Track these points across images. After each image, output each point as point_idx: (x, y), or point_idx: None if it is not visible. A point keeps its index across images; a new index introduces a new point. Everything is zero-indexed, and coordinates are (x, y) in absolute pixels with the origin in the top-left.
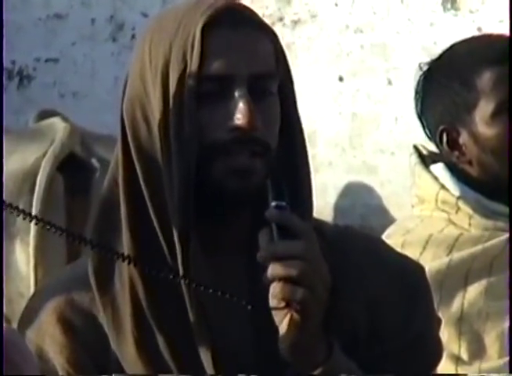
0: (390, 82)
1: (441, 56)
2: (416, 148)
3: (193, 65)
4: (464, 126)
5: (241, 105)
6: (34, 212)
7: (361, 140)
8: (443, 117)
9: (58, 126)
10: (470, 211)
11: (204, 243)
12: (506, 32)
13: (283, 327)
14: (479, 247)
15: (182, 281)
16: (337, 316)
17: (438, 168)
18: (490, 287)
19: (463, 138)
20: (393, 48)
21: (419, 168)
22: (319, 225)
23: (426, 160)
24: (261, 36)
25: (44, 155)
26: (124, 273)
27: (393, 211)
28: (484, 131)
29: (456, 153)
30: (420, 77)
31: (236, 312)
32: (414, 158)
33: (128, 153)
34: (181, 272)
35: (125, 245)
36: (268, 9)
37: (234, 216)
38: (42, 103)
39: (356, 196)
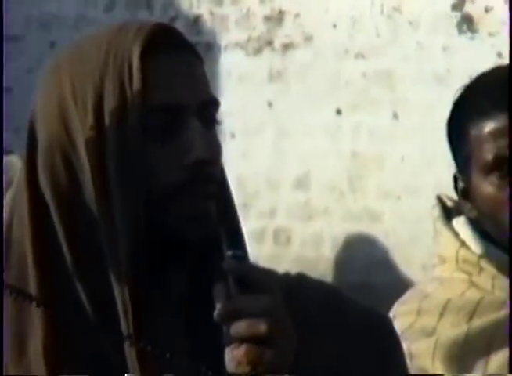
0: (396, 116)
1: (467, 86)
2: (439, 199)
3: (135, 96)
4: (469, 176)
5: (198, 137)
6: None
7: (362, 183)
8: (458, 160)
9: (16, 165)
10: (494, 271)
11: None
12: None
13: None
14: (503, 312)
15: (128, 342)
16: None
17: (460, 222)
18: None
19: (473, 181)
20: (400, 77)
21: (439, 223)
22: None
23: (451, 212)
24: (197, 62)
25: None
26: (38, 345)
27: (400, 265)
28: (477, 187)
29: (468, 205)
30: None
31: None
32: (436, 211)
33: (37, 209)
34: (125, 331)
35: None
36: (256, 30)
37: (174, 270)
38: None
39: (356, 247)
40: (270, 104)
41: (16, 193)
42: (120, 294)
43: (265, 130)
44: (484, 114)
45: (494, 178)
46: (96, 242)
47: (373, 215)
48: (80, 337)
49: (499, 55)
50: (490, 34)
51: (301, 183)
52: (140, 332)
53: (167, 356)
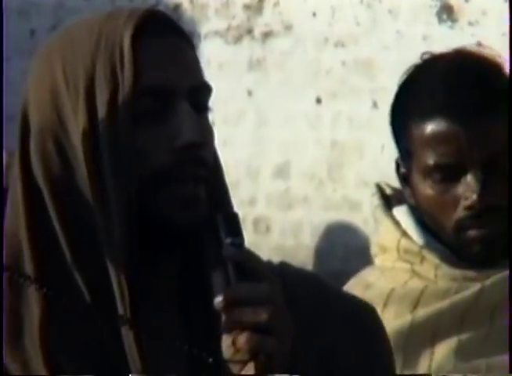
0: (375, 105)
1: (414, 71)
2: (379, 187)
3: (127, 80)
4: (411, 168)
5: (187, 120)
6: None
7: (342, 171)
8: (400, 148)
9: None
10: (437, 261)
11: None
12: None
13: None
14: (446, 301)
15: (127, 327)
16: (293, 367)
17: (401, 212)
18: (461, 347)
19: (413, 177)
20: (379, 66)
21: (379, 212)
22: None
23: (391, 200)
24: (188, 47)
25: None
26: (35, 330)
27: None
28: (417, 186)
29: (409, 190)
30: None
31: (172, 360)
32: (376, 199)
33: (31, 195)
34: (124, 316)
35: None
36: (236, 18)
37: (165, 259)
38: None
39: (336, 236)
40: (250, 93)
41: (11, 181)
42: (116, 280)
43: (245, 118)
44: (428, 117)
45: (434, 182)
46: (91, 227)
47: (353, 204)
48: (77, 322)
49: (479, 44)
50: (470, 24)
51: (281, 172)
52: (137, 317)
53: (166, 340)
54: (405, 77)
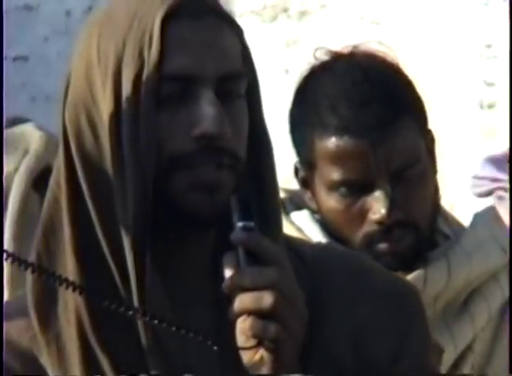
0: None
1: (313, 78)
2: None
3: (152, 63)
4: (313, 179)
5: (208, 110)
6: (6, 237)
7: None
8: (300, 154)
9: (32, 135)
10: None
11: (160, 269)
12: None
13: (252, 368)
14: None
15: (138, 315)
16: (318, 350)
17: (303, 218)
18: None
19: (316, 186)
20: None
21: None
22: (296, 244)
23: (286, 205)
24: (227, 30)
25: (16, 169)
26: (70, 306)
27: None
28: (320, 197)
29: (309, 193)
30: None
31: (200, 348)
32: None
33: (71, 166)
34: (135, 303)
35: (70, 271)
36: None
37: (195, 238)
38: (9, 107)
39: None
40: (287, 71)
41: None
42: (131, 263)
43: (282, 97)
44: (332, 133)
45: (340, 196)
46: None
47: None
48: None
49: (379, 42)
50: None
51: None
52: (148, 303)
53: (174, 329)
54: (302, 82)
